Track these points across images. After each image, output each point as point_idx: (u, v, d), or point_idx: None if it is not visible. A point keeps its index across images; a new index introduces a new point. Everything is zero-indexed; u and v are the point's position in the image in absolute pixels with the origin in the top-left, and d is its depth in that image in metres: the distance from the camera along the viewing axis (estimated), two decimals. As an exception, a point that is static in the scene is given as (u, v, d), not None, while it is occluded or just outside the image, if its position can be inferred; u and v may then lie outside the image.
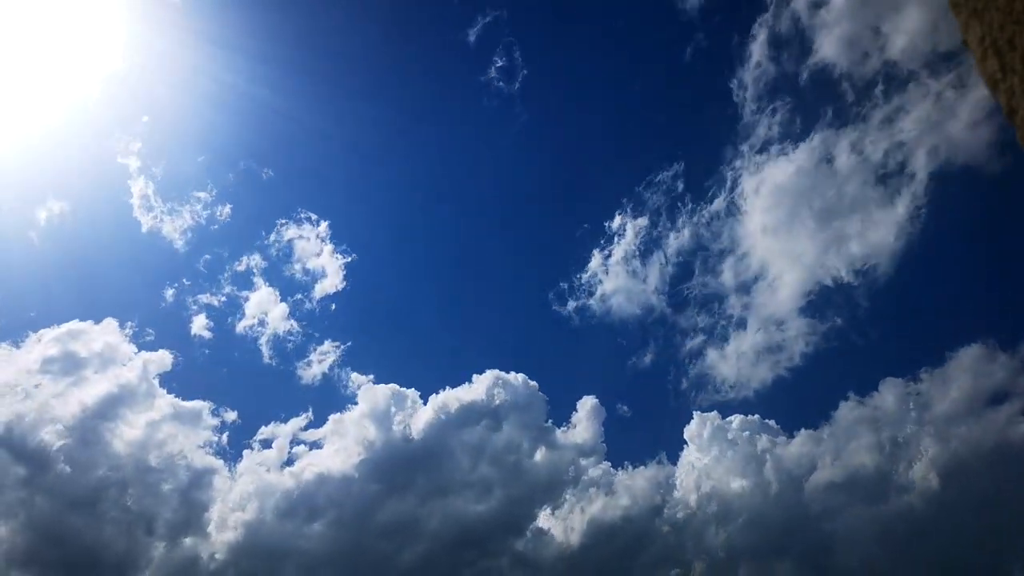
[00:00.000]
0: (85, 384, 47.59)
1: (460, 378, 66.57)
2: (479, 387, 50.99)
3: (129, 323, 62.04)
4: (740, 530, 45.17)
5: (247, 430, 73.34)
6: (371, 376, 58.47)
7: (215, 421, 51.89)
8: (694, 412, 53.91)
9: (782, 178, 57.61)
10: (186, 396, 66.56)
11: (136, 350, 51.94)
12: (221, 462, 49.89)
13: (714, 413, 50.58)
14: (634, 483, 48.64)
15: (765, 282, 60.01)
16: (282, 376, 65.65)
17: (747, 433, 48.64)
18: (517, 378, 51.71)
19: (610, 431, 56.74)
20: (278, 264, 70.87)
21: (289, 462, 50.56)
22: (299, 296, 69.64)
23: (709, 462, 48.25)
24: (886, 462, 46.17)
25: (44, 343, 49.13)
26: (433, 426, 49.71)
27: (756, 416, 50.47)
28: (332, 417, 54.00)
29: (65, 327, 50.30)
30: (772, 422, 50.07)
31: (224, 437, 57.19)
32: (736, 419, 49.77)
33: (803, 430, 51.58)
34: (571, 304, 64.50)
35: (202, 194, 62.71)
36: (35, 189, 64.23)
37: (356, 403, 55.05)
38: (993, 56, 1.72)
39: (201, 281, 69.41)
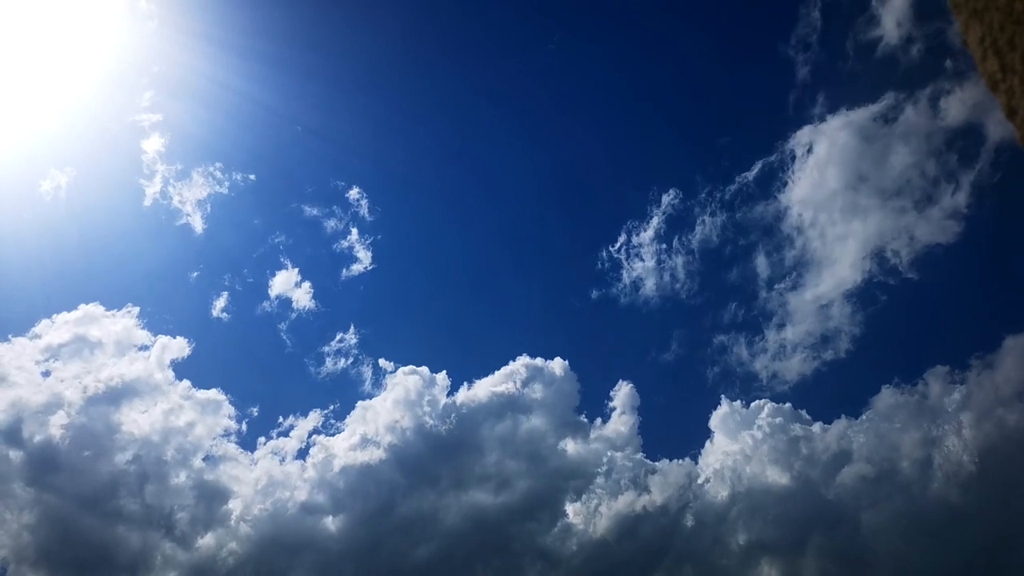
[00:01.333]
0: (98, 372, 47.32)
1: (493, 365, 65.34)
2: (511, 374, 50.56)
3: (143, 308, 61.53)
4: (767, 523, 44.75)
5: (268, 418, 73.58)
6: (400, 363, 57.66)
7: (232, 410, 52.01)
8: (722, 398, 53.32)
9: (833, 152, 54.80)
10: (204, 383, 67.12)
11: (152, 336, 51.75)
12: (241, 451, 49.72)
13: (738, 402, 49.94)
14: (665, 474, 48.18)
15: (812, 263, 58.44)
16: (305, 362, 65.70)
17: (778, 420, 47.92)
18: (551, 364, 51.19)
19: (644, 419, 56.29)
20: (304, 244, 70.62)
21: (309, 452, 49.93)
22: (325, 278, 69.31)
23: (737, 452, 47.76)
24: (925, 452, 45.15)
25: (58, 328, 48.96)
26: (463, 414, 49.52)
27: (788, 404, 49.82)
28: (360, 404, 53.55)
29: (81, 311, 50.09)
30: (804, 411, 49.37)
31: (244, 425, 57.48)
32: (767, 407, 48.97)
33: (841, 418, 50.25)
34: (606, 288, 63.89)
35: (221, 173, 61.90)
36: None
37: (383, 389, 54.78)
38: (993, 56, 1.73)
39: (221, 263, 69.40)
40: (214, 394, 50.26)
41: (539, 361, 51.48)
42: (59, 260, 64.29)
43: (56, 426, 43.16)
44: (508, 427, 49.48)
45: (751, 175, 59.62)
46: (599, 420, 56.02)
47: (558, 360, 51.79)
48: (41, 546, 40.30)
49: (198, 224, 60.44)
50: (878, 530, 43.24)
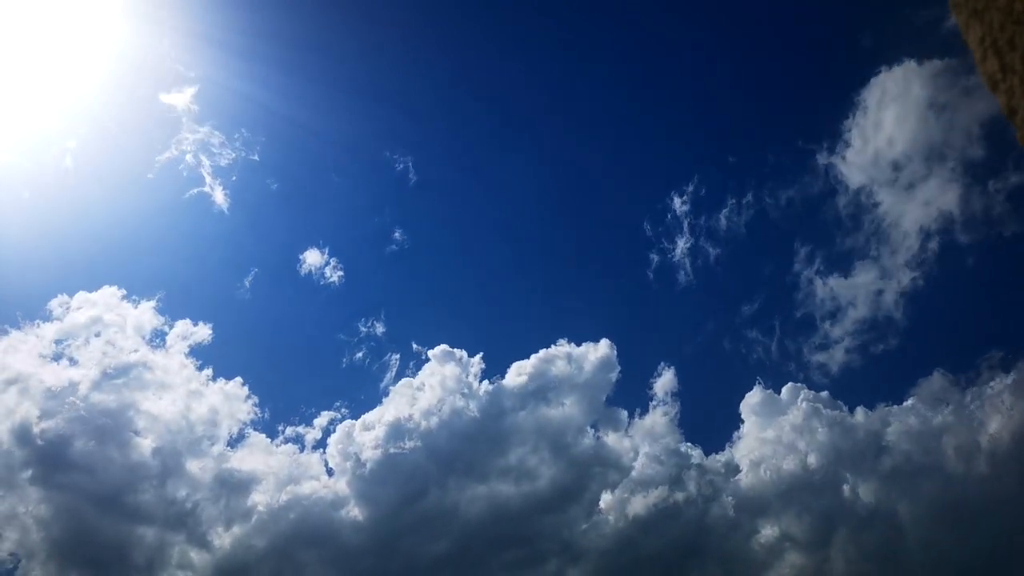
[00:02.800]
0: (114, 359, 46.58)
1: (533, 346, 62.62)
2: (548, 359, 49.79)
3: (165, 290, 59.86)
4: (800, 514, 44.14)
5: (294, 405, 72.63)
6: (432, 345, 56.51)
7: (255, 398, 51.10)
8: (755, 384, 52.14)
9: (897, 112, 51.26)
10: (225, 369, 66.82)
11: (171, 320, 51.02)
12: (266, 439, 48.99)
13: (769, 391, 49.04)
14: (699, 463, 47.51)
15: (863, 241, 55.35)
16: (333, 345, 65.01)
17: (816, 407, 46.93)
18: (591, 348, 50.26)
19: (683, 406, 55.64)
20: (335, 221, 69.45)
21: (330, 439, 48.65)
22: (356, 257, 67.77)
23: (773, 439, 46.98)
24: (971, 440, 43.89)
25: (73, 312, 48.13)
26: (496, 401, 48.70)
27: (825, 393, 48.92)
28: (392, 388, 52.50)
29: (98, 294, 49.28)
30: (840, 399, 48.39)
31: (266, 413, 56.94)
32: (802, 392, 47.92)
33: (884, 405, 48.62)
34: (653, 266, 62.36)
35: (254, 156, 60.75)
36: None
37: (415, 373, 53.82)
38: (993, 56, 1.73)
39: (248, 241, 67.70)
40: (234, 387, 49.75)
41: (575, 349, 50.68)
42: (82, 239, 61.86)
43: (68, 416, 42.45)
44: (543, 415, 48.58)
45: (798, 150, 58.38)
46: (638, 409, 55.81)
47: (604, 342, 50.79)
48: (54, 541, 39.94)
49: (220, 198, 58.43)
50: (916, 521, 42.44)
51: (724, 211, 59.68)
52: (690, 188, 62.25)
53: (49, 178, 57.59)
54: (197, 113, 59.69)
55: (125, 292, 51.16)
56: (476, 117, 68.97)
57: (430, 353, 50.22)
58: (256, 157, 59.49)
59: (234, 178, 63.05)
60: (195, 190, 57.96)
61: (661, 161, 67.67)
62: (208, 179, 58.71)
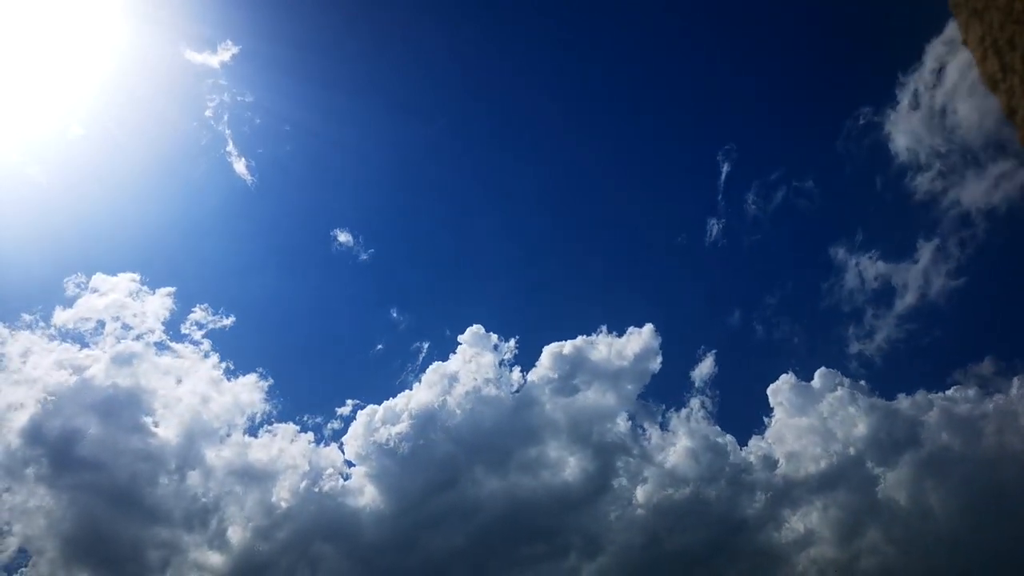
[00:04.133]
0: (127, 348, 45.78)
1: (570, 334, 61.36)
2: (587, 346, 49.27)
3: (180, 277, 60.85)
4: (832, 506, 43.53)
5: (318, 394, 71.43)
6: (465, 326, 54.38)
7: (274, 386, 51.64)
8: (788, 371, 51.34)
9: (959, 91, 48.18)
10: (246, 357, 66.44)
11: (189, 306, 51.05)
12: (292, 429, 48.10)
13: (791, 375, 48.27)
14: (733, 454, 46.99)
15: (910, 219, 53.83)
16: (365, 329, 64.58)
17: (851, 393, 46.14)
18: (637, 334, 49.74)
19: (720, 394, 54.91)
20: (366, 203, 68.10)
21: (354, 424, 47.17)
22: (384, 236, 66.14)
23: (803, 428, 46.31)
24: (1013, 433, 42.76)
25: (86, 300, 47.74)
26: (530, 388, 47.95)
27: (863, 382, 48.21)
28: (424, 372, 51.28)
29: (113, 281, 49.04)
30: (870, 384, 47.71)
31: (286, 403, 56.90)
32: (835, 378, 46.97)
33: (922, 392, 47.57)
34: (696, 250, 61.55)
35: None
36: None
37: (450, 357, 52.37)
38: (993, 56, 1.73)
39: (272, 221, 66.37)
40: (253, 376, 49.58)
41: (615, 338, 50.20)
42: (98, 215, 60.78)
43: (80, 404, 41.95)
44: (576, 404, 47.91)
45: (845, 129, 57.02)
46: (673, 400, 55.21)
47: (647, 327, 50.36)
48: (65, 532, 39.36)
49: (242, 169, 57.10)
50: (958, 513, 41.56)
51: (765, 191, 59.05)
52: (733, 163, 61.22)
53: (63, 149, 55.61)
54: (228, 76, 57.84)
55: (142, 276, 51.33)
56: (515, 93, 67.59)
57: (460, 338, 49.46)
58: (287, 127, 58.63)
59: (260, 150, 61.48)
60: (220, 157, 56.95)
61: (704, 140, 66.58)
62: (233, 149, 57.37)
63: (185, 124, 55.50)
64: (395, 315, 62.13)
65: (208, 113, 56.34)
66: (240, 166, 56.28)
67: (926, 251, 52.31)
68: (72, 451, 40.63)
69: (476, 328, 49.66)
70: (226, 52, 51.83)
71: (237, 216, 63.01)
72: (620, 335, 50.45)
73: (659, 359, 49.97)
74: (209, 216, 63.09)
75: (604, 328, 50.56)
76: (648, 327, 50.72)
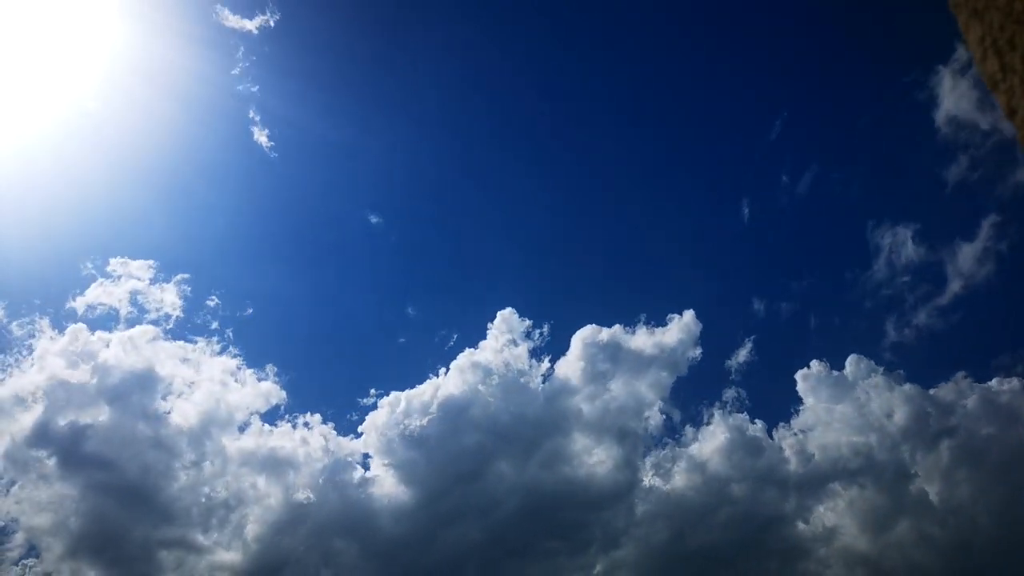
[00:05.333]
0: (138, 340, 45.16)
1: (606, 320, 61.67)
2: (623, 333, 48.87)
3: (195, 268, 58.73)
4: (862, 497, 42.79)
5: (341, 385, 70.69)
6: (496, 310, 54.36)
7: (293, 377, 50.69)
8: (813, 360, 50.52)
9: None
10: (264, 347, 64.95)
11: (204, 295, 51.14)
12: (318, 420, 47.29)
13: (823, 363, 47.45)
14: (764, 448, 46.30)
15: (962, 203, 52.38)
16: (392, 318, 63.63)
17: (881, 381, 45.26)
18: (677, 321, 49.28)
19: (753, 382, 54.10)
20: (397, 183, 66.79)
21: (383, 414, 45.97)
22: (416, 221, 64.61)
23: (829, 418, 45.55)
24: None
25: (103, 284, 47.91)
26: (561, 378, 47.20)
27: (901, 371, 47.27)
28: (461, 354, 49.58)
29: (127, 268, 48.96)
30: (904, 373, 46.67)
31: (310, 393, 56.14)
32: (865, 368, 46.18)
33: (963, 380, 46.37)
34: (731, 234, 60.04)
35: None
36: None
37: (479, 342, 51.39)
38: (993, 56, 1.74)
39: (295, 200, 64.61)
40: (271, 369, 49.48)
41: (652, 327, 49.75)
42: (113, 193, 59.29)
43: (94, 397, 41.56)
44: (607, 394, 47.17)
45: (890, 107, 55.40)
46: (709, 394, 54.35)
47: (688, 314, 50.14)
48: (77, 525, 39.18)
49: (262, 139, 55.36)
50: (991, 509, 40.71)
51: (802, 173, 58.10)
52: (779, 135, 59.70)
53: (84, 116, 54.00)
54: (262, 43, 56.72)
55: (157, 263, 51.10)
56: (559, 77, 66.87)
57: (491, 324, 48.68)
58: (314, 102, 57.80)
59: (283, 123, 59.70)
60: (243, 125, 55.32)
61: (749, 118, 65.28)
62: (256, 117, 55.71)
63: (210, 88, 53.45)
64: (423, 301, 61.86)
65: (236, 71, 54.98)
66: (262, 137, 55.29)
67: (972, 238, 51.10)
68: (85, 442, 40.36)
69: (508, 312, 49.01)
70: (264, 19, 51.40)
71: (257, 193, 62.30)
72: (657, 323, 50.48)
73: (696, 348, 49.84)
74: (229, 193, 62.25)
75: (643, 316, 50.28)
76: (689, 313, 50.33)
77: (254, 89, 54.86)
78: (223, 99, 54.94)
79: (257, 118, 55.56)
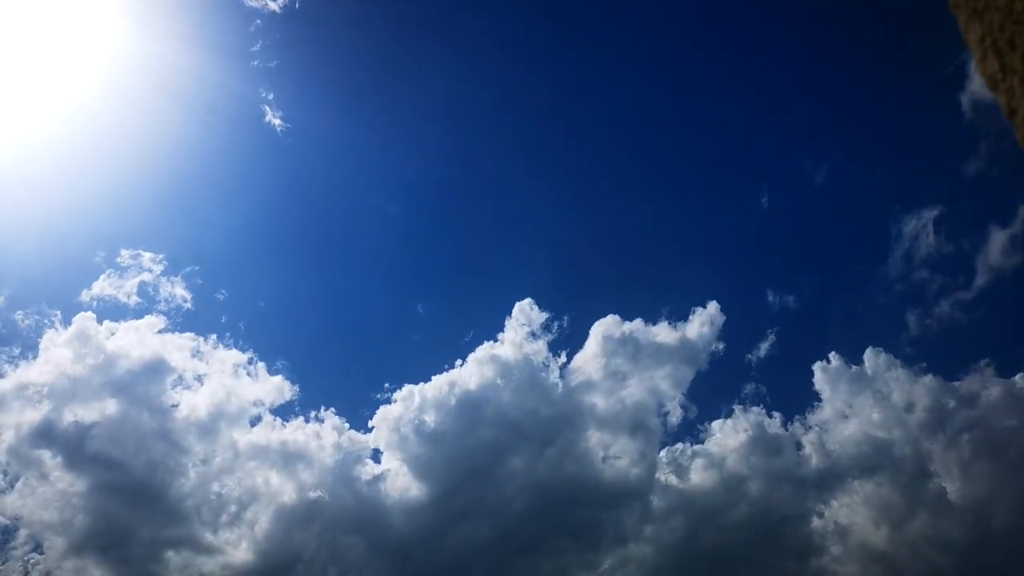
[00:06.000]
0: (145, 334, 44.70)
1: (634, 314, 60.24)
2: (643, 328, 48.58)
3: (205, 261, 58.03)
4: (881, 494, 42.29)
5: (373, 379, 69.53)
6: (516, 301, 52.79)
7: (296, 370, 49.67)
8: (830, 352, 49.84)
9: None
10: (278, 339, 63.87)
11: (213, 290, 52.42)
12: (332, 414, 47.65)
13: (841, 356, 46.71)
14: (781, 435, 45.85)
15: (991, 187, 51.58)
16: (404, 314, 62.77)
17: (901, 374, 44.74)
18: (699, 314, 48.79)
19: (772, 376, 53.30)
20: (416, 172, 66.00)
21: (395, 409, 45.33)
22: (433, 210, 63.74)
23: (848, 412, 45.08)
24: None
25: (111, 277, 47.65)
26: (580, 373, 46.77)
27: (924, 365, 46.67)
28: (479, 348, 49.24)
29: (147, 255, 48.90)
30: (924, 366, 45.89)
31: (322, 388, 55.54)
32: (883, 361, 45.68)
33: (985, 371, 46.02)
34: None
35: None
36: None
37: (501, 335, 50.76)
38: (993, 56, 1.74)
39: (307, 184, 63.09)
40: (278, 380, 48.05)
41: (674, 320, 49.41)
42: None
43: (99, 395, 41.28)
44: (625, 389, 46.95)
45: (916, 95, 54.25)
46: (729, 388, 53.60)
47: (712, 305, 49.67)
48: (83, 521, 38.87)
49: (276, 121, 53.86)
50: (1011, 509, 40.13)
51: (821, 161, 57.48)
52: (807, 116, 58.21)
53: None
54: (282, 22, 55.97)
55: (166, 255, 50.97)
56: (574, 65, 66.12)
57: (507, 319, 48.21)
58: (331, 85, 56.98)
59: (296, 105, 58.51)
60: (255, 105, 54.11)
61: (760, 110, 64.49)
62: (269, 97, 54.74)
63: (225, 64, 52.36)
64: (439, 293, 61.36)
65: (255, 49, 54.47)
66: (275, 119, 54.23)
67: (1000, 227, 50.23)
68: (90, 436, 40.12)
69: (526, 303, 48.63)
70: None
71: (269, 180, 61.10)
72: (677, 317, 49.91)
73: (717, 341, 49.86)
74: (241, 181, 61.21)
75: (665, 310, 49.77)
76: (713, 305, 49.96)
77: (271, 64, 54.20)
78: (238, 80, 54.08)
79: (270, 96, 55.09)
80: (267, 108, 54.42)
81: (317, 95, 58.72)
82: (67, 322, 46.32)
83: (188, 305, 51.22)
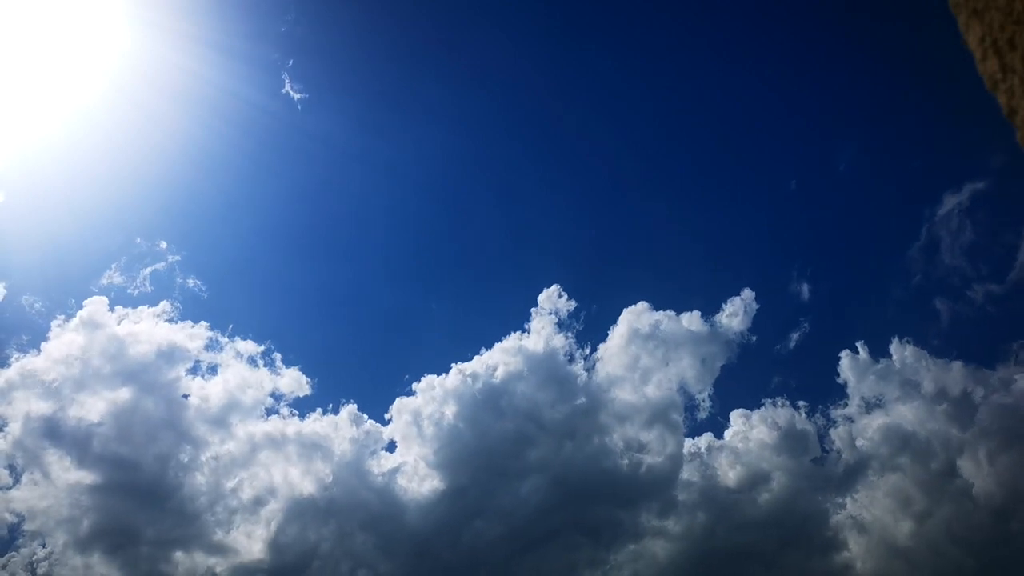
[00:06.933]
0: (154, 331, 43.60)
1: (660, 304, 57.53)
2: (671, 316, 47.86)
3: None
4: (906, 492, 41.60)
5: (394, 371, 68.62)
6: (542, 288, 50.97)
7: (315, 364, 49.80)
8: (858, 342, 48.82)
9: None
10: (297, 333, 61.56)
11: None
12: (353, 407, 45.71)
13: (867, 346, 45.71)
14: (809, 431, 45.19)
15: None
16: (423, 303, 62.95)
17: (925, 364, 43.92)
18: (731, 303, 48.23)
19: (799, 367, 52.24)
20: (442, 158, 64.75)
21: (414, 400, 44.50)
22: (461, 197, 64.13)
23: (870, 405, 44.36)
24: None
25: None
26: (605, 364, 46.41)
27: (953, 355, 45.79)
28: (506, 338, 47.51)
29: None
30: (958, 359, 45.02)
31: (341, 381, 55.05)
32: (911, 353, 44.62)
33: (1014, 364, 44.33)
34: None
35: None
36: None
37: (528, 324, 49.42)
38: (993, 56, 1.74)
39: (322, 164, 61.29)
40: (295, 372, 47.04)
41: (702, 311, 48.50)
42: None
43: (108, 384, 40.78)
44: (650, 381, 46.31)
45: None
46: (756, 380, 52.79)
47: (746, 292, 48.74)
48: (92, 521, 38.20)
49: (294, 93, 52.67)
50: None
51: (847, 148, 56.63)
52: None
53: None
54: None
55: (181, 246, 51.03)
56: (606, 53, 63.53)
57: (533, 309, 47.25)
58: (354, 65, 56.20)
59: (316, 82, 57.99)
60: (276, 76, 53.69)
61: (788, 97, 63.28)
62: (290, 68, 53.58)
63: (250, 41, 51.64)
64: (463, 281, 60.13)
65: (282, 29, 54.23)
66: (294, 92, 52.81)
67: None
68: (102, 425, 39.71)
69: (552, 290, 47.98)
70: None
71: (286, 151, 58.89)
72: (709, 306, 49.07)
73: (747, 332, 48.38)
74: (256, 156, 58.61)
75: (693, 300, 49.09)
76: (748, 293, 48.56)
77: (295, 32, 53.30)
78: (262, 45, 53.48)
79: (291, 62, 54.47)
80: (286, 77, 54.36)
81: (339, 71, 58.53)
82: (80, 307, 45.17)
83: (204, 295, 51.21)
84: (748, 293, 48.93)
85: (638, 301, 48.77)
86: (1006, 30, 1.70)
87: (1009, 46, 1.70)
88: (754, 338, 49.71)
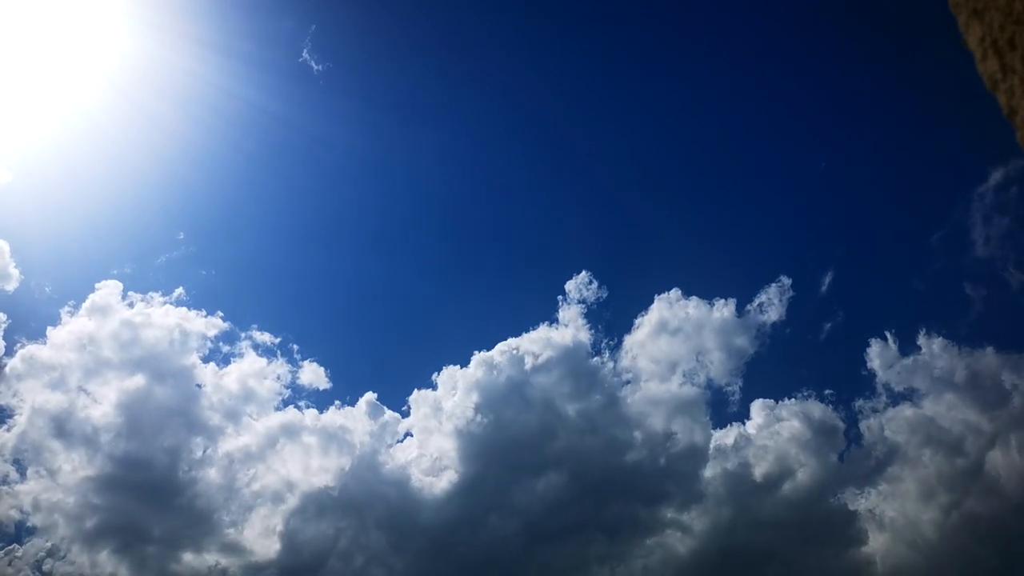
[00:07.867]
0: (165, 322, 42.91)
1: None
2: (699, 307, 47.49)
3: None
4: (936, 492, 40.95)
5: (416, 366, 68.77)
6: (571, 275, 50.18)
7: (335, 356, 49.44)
8: (886, 332, 47.78)
9: None
10: (314, 328, 60.26)
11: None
12: (373, 398, 44.93)
13: (896, 336, 44.76)
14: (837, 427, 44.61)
15: None
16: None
17: (952, 354, 43.24)
18: (766, 292, 48.83)
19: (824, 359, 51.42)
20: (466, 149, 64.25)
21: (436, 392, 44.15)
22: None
23: (896, 396, 43.55)
24: None
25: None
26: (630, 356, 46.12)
27: (990, 347, 44.67)
28: (535, 330, 46.52)
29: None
30: (991, 347, 44.14)
31: (361, 372, 54.77)
32: (938, 344, 43.92)
33: None
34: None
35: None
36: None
37: (557, 314, 49.29)
38: (993, 56, 1.75)
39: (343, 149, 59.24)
40: (314, 368, 46.62)
41: (730, 301, 48.18)
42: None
43: (119, 374, 40.64)
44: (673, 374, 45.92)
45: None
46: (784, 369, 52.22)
47: (783, 279, 47.81)
48: (103, 516, 37.90)
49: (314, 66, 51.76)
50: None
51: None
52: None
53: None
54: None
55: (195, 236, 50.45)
56: (634, 41, 61.49)
57: (561, 300, 46.60)
58: (377, 51, 55.88)
59: (335, 56, 56.48)
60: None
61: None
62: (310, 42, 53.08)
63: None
64: (489, 270, 59.22)
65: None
66: (315, 64, 51.88)
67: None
68: (111, 417, 39.41)
69: (582, 277, 47.42)
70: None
71: (305, 127, 56.06)
72: (742, 296, 48.43)
73: (778, 321, 47.77)
74: (279, 137, 56.65)
75: (732, 291, 48.23)
76: (785, 280, 47.65)
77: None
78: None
79: (312, 28, 53.26)
80: (307, 52, 52.89)
81: (362, 44, 57.23)
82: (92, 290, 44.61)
83: (218, 287, 51.87)
84: (786, 280, 47.77)
85: (671, 288, 48.34)
86: (1006, 30, 1.71)
87: (1009, 46, 1.71)
88: (787, 330, 48.93)
